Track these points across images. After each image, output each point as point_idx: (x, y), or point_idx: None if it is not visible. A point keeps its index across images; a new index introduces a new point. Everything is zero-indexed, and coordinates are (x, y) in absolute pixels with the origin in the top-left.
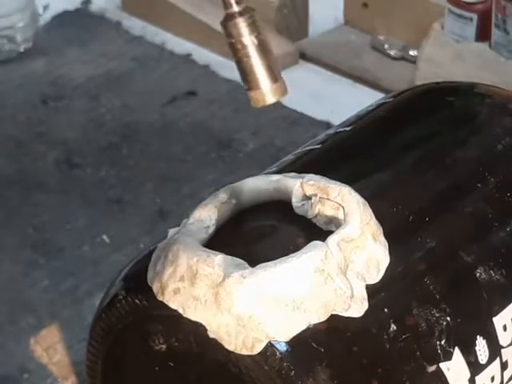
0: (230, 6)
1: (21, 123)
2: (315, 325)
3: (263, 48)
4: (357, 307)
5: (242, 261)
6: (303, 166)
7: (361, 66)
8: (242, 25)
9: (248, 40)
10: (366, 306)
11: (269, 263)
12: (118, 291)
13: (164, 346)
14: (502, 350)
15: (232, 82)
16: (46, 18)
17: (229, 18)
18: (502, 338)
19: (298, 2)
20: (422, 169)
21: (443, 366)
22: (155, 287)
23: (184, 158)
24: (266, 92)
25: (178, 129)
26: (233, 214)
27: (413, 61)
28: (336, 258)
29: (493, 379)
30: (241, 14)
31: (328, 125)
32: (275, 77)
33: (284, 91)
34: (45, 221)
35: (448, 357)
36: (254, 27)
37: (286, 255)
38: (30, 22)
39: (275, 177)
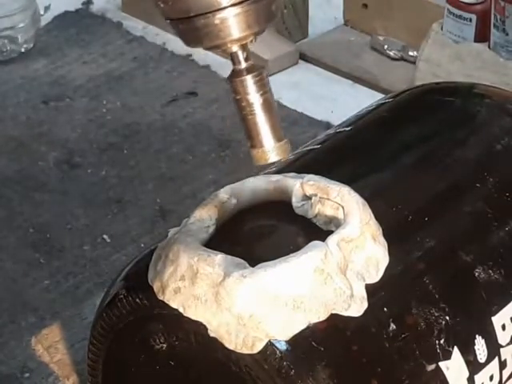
0: (239, 62)
1: (22, 123)
2: (315, 324)
3: (268, 106)
4: (356, 306)
5: (242, 260)
6: (303, 166)
7: (360, 66)
8: (249, 82)
9: (254, 98)
10: (365, 305)
11: (269, 263)
12: (118, 290)
13: (164, 345)
14: (501, 349)
15: None
16: (47, 18)
17: (236, 75)
18: (501, 338)
19: (298, 3)
20: (422, 169)
21: (442, 365)
22: (156, 286)
23: (184, 157)
24: (269, 151)
25: (179, 129)
26: (233, 213)
27: (412, 61)
28: (336, 258)
29: (492, 378)
30: (248, 71)
31: (328, 125)
32: (279, 136)
33: (287, 151)
34: (45, 220)
35: (447, 356)
36: (261, 85)
37: (286, 255)
38: (31, 23)
39: (275, 177)
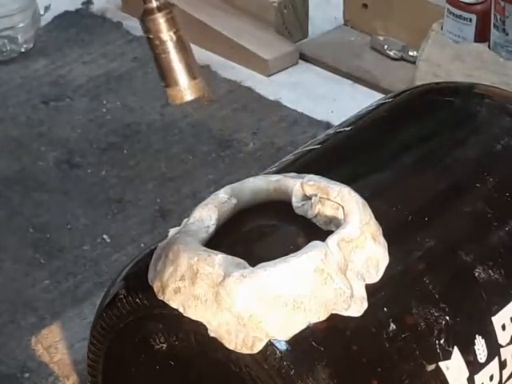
0: (150, 1)
1: (22, 123)
2: (315, 324)
3: (182, 44)
4: (356, 306)
5: (242, 260)
6: (303, 166)
7: (360, 66)
8: (161, 20)
9: (166, 36)
10: (365, 305)
11: (269, 263)
12: (118, 290)
13: (165, 345)
14: (501, 349)
15: (232, 82)
16: (47, 18)
17: (147, 13)
18: (501, 337)
19: (298, 3)
20: (422, 169)
21: (442, 364)
22: (156, 286)
23: (184, 157)
24: (184, 89)
25: (179, 129)
26: (233, 213)
27: (412, 61)
28: (336, 258)
29: (492, 378)
30: (159, 9)
31: (328, 125)
32: (194, 74)
33: (202, 89)
34: (46, 220)
35: (447, 356)
36: (172, 23)
37: (286, 255)
38: (31, 23)
39: (275, 177)
